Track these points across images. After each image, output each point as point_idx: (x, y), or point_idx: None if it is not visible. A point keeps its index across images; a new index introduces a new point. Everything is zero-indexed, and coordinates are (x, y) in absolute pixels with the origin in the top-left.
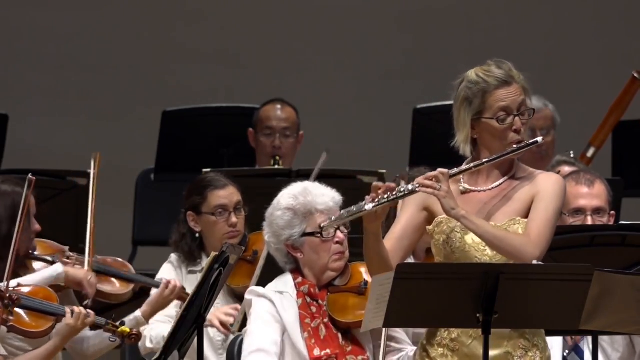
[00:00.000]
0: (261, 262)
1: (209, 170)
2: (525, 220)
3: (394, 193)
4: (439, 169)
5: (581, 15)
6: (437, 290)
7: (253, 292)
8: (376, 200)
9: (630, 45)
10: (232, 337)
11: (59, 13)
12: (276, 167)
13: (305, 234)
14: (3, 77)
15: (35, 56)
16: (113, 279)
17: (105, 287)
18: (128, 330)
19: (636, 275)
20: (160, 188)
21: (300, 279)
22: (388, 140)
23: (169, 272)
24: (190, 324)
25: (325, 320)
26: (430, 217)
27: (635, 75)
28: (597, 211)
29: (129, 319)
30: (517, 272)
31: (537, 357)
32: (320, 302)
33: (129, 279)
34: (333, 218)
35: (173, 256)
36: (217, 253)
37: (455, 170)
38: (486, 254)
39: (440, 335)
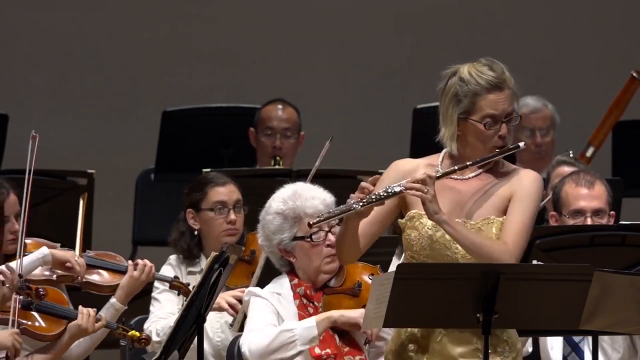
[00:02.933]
0: (261, 262)
1: (209, 170)
2: (500, 219)
3: (380, 193)
4: (426, 172)
5: (580, 15)
6: (437, 290)
7: (251, 293)
8: (364, 200)
9: (629, 45)
10: (231, 337)
11: (59, 13)
12: (276, 167)
13: (295, 238)
14: (3, 77)
15: (35, 56)
16: (102, 271)
17: (95, 278)
18: (138, 334)
19: (636, 275)
20: (160, 188)
21: (296, 281)
22: (388, 140)
23: (169, 273)
24: (190, 324)
25: None
26: (402, 203)
27: (634, 75)
28: (596, 212)
29: (105, 307)
30: (517, 272)
31: (506, 352)
32: (316, 303)
33: (118, 269)
34: (321, 216)
35: (172, 257)
36: (217, 253)
37: (441, 172)
38: (457, 252)
39: (410, 329)
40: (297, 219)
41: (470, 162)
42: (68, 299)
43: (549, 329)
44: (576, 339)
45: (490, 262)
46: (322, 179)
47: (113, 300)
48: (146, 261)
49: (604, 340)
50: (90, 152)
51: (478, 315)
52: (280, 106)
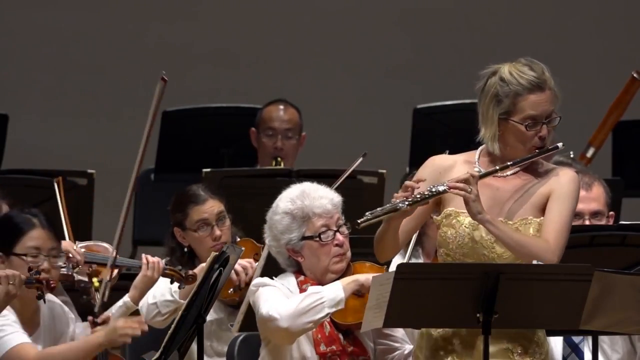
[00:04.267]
0: (261, 262)
1: (208, 170)
2: (537, 220)
3: (425, 193)
4: (469, 172)
5: (581, 15)
6: (437, 290)
7: (260, 284)
8: (409, 199)
9: (630, 45)
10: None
11: (59, 13)
12: (277, 167)
13: (304, 238)
14: (3, 77)
15: (35, 56)
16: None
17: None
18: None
19: (636, 275)
20: (160, 188)
21: (302, 278)
22: (388, 140)
23: (165, 285)
24: (190, 324)
25: (327, 319)
26: (438, 200)
27: (635, 75)
28: (595, 214)
29: (117, 305)
30: (517, 272)
31: (537, 354)
32: None
33: (113, 263)
34: (368, 215)
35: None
36: (217, 253)
37: (483, 172)
38: (494, 251)
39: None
40: (305, 219)
41: (511, 162)
42: (68, 297)
43: (549, 329)
44: (576, 339)
45: (533, 260)
46: (322, 178)
47: (126, 299)
48: (156, 258)
49: (604, 340)
50: (90, 152)
51: (478, 315)
52: (281, 107)
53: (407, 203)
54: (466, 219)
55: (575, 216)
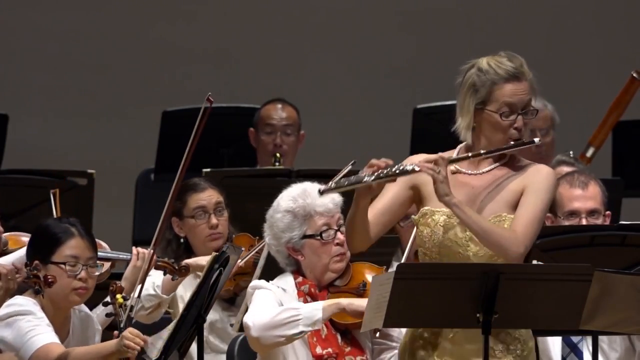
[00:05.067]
0: (261, 262)
1: (208, 170)
2: (511, 216)
3: (393, 170)
4: (440, 153)
5: (581, 15)
6: (437, 290)
7: (255, 286)
8: (375, 174)
9: (629, 45)
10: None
11: (59, 13)
12: (276, 164)
13: (305, 236)
14: (3, 77)
15: (35, 56)
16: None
17: None
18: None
19: (636, 275)
20: (160, 188)
21: (300, 279)
22: (388, 140)
23: (158, 278)
24: (190, 324)
25: None
26: (416, 196)
27: (635, 75)
28: (591, 213)
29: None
30: (517, 272)
31: (518, 350)
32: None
33: (102, 258)
34: (331, 184)
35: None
36: (217, 253)
37: (454, 157)
38: (469, 249)
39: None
40: (307, 217)
41: (484, 152)
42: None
43: (549, 329)
44: (575, 339)
45: (499, 249)
46: (322, 178)
47: None
48: (145, 250)
49: (602, 339)
50: (90, 152)
51: (478, 315)
52: (279, 105)
53: (373, 177)
54: (441, 217)
55: (572, 215)
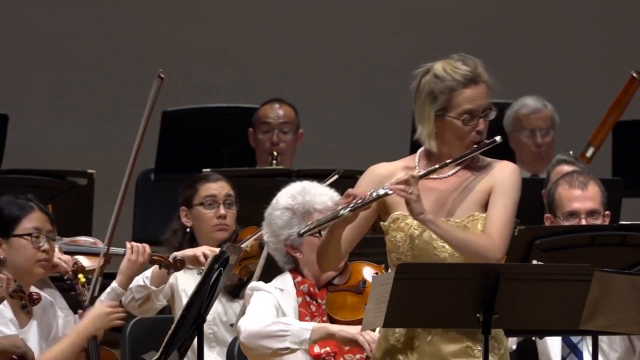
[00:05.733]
0: (261, 262)
1: (208, 170)
2: (484, 215)
3: (367, 198)
4: (410, 173)
5: (581, 15)
6: (437, 290)
7: (254, 288)
8: (350, 205)
9: (629, 45)
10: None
11: (59, 13)
12: (275, 163)
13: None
14: (3, 77)
15: (35, 56)
16: (83, 257)
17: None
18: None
19: (636, 275)
20: (160, 188)
21: (299, 278)
22: (388, 140)
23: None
24: (190, 324)
25: (324, 318)
26: (381, 207)
27: (635, 75)
28: (591, 213)
29: (106, 292)
30: (517, 272)
31: (495, 349)
32: (319, 301)
33: (98, 253)
34: (311, 224)
35: None
36: (217, 253)
37: (423, 172)
38: (445, 250)
39: (398, 330)
40: (306, 214)
41: (450, 160)
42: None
43: (549, 329)
44: (575, 339)
45: (478, 257)
46: (322, 179)
47: (114, 284)
48: (141, 244)
49: (602, 340)
50: (90, 152)
51: (478, 315)
52: (276, 104)
53: (348, 209)
54: (414, 221)
55: (572, 215)
